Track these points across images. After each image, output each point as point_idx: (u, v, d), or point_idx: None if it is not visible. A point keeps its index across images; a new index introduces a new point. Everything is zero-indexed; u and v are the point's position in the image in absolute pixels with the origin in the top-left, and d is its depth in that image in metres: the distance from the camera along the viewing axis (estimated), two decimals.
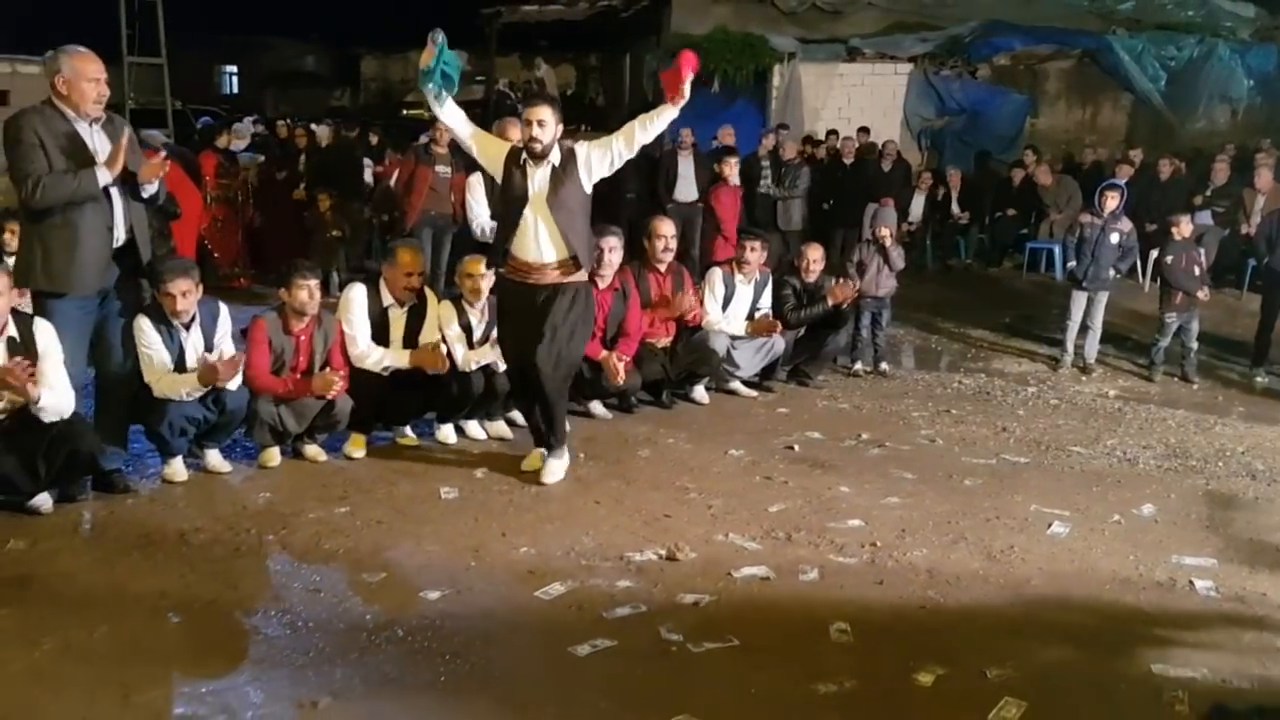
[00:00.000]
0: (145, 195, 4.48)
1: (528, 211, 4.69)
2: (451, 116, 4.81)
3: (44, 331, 4.22)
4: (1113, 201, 7.87)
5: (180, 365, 4.69)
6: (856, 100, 14.90)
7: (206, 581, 3.81)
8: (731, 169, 9.65)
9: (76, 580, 3.79)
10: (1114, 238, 7.89)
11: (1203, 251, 8.25)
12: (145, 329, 4.62)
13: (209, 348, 4.78)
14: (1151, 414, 6.97)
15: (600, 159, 4.77)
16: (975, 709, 3.11)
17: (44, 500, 4.32)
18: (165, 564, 3.98)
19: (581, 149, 4.78)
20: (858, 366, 7.66)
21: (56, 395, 4.15)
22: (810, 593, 3.94)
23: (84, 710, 2.91)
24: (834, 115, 14.62)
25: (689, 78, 4.55)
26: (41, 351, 4.16)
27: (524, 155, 4.70)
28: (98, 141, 4.36)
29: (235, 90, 30.65)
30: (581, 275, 4.84)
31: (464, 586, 3.84)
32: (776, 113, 14.71)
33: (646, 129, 4.71)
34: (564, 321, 4.76)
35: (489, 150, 4.89)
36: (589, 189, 4.81)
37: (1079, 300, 8.06)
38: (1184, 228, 8.11)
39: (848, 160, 12.09)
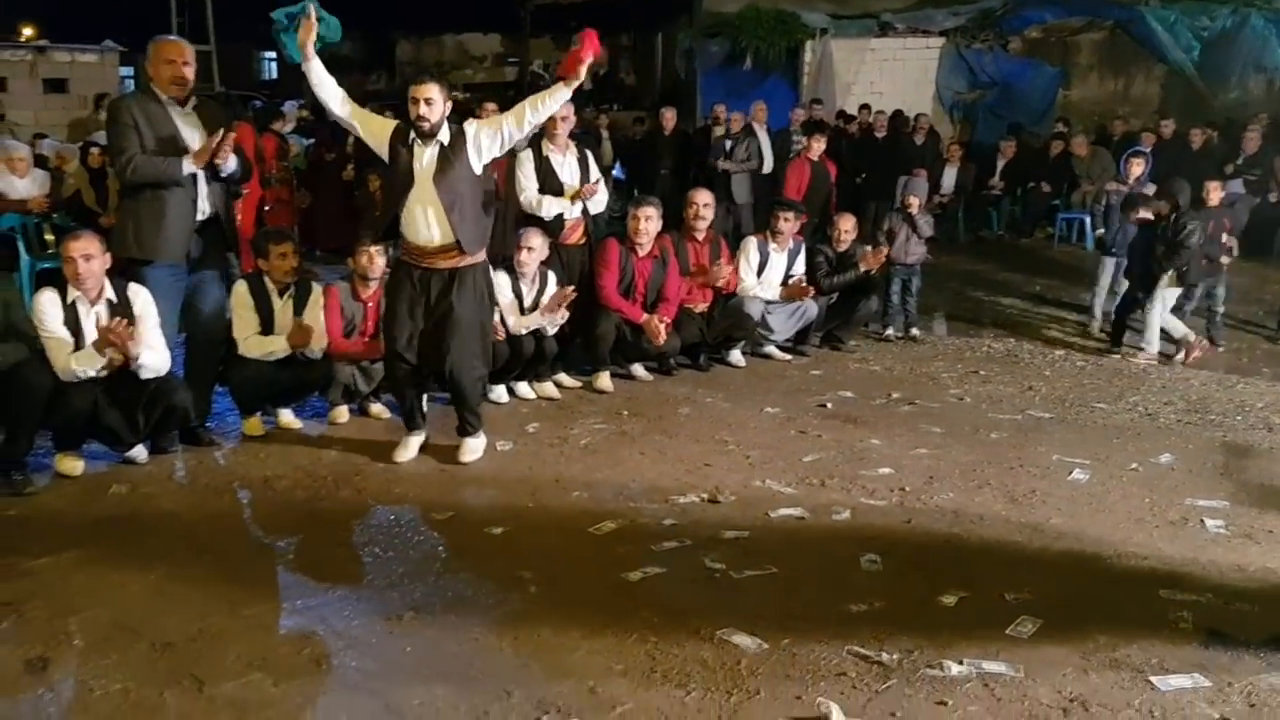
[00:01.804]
0: (223, 175, 4.84)
1: (414, 192, 4.58)
2: (325, 90, 4.61)
3: (139, 295, 4.63)
4: (1138, 168, 8.09)
5: (267, 330, 5.13)
6: (888, 74, 15.08)
7: (294, 519, 4.24)
8: (816, 143, 9.59)
9: (177, 518, 4.23)
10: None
11: (1226, 219, 8.41)
12: (240, 292, 5.09)
13: (298, 320, 5.18)
14: (1176, 374, 7.20)
15: (490, 139, 4.68)
16: (994, 625, 3.42)
17: (140, 451, 4.75)
18: (255, 505, 4.45)
19: (471, 128, 4.69)
20: (889, 332, 7.93)
21: (155, 354, 4.58)
22: (843, 530, 4.27)
23: (200, 621, 3.31)
24: (866, 90, 14.80)
25: (588, 60, 4.55)
26: (139, 314, 4.57)
27: (411, 134, 4.58)
28: (185, 125, 4.73)
29: (275, 75, 31.14)
30: (477, 258, 4.73)
31: (524, 523, 4.22)
32: (808, 88, 14.92)
33: (538, 110, 4.67)
34: (465, 313, 4.66)
35: (371, 127, 4.71)
36: (479, 170, 4.70)
37: (1107, 266, 8.29)
38: (1214, 194, 8.29)
39: (880, 134, 12.32)
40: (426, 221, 4.60)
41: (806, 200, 8.81)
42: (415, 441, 4.97)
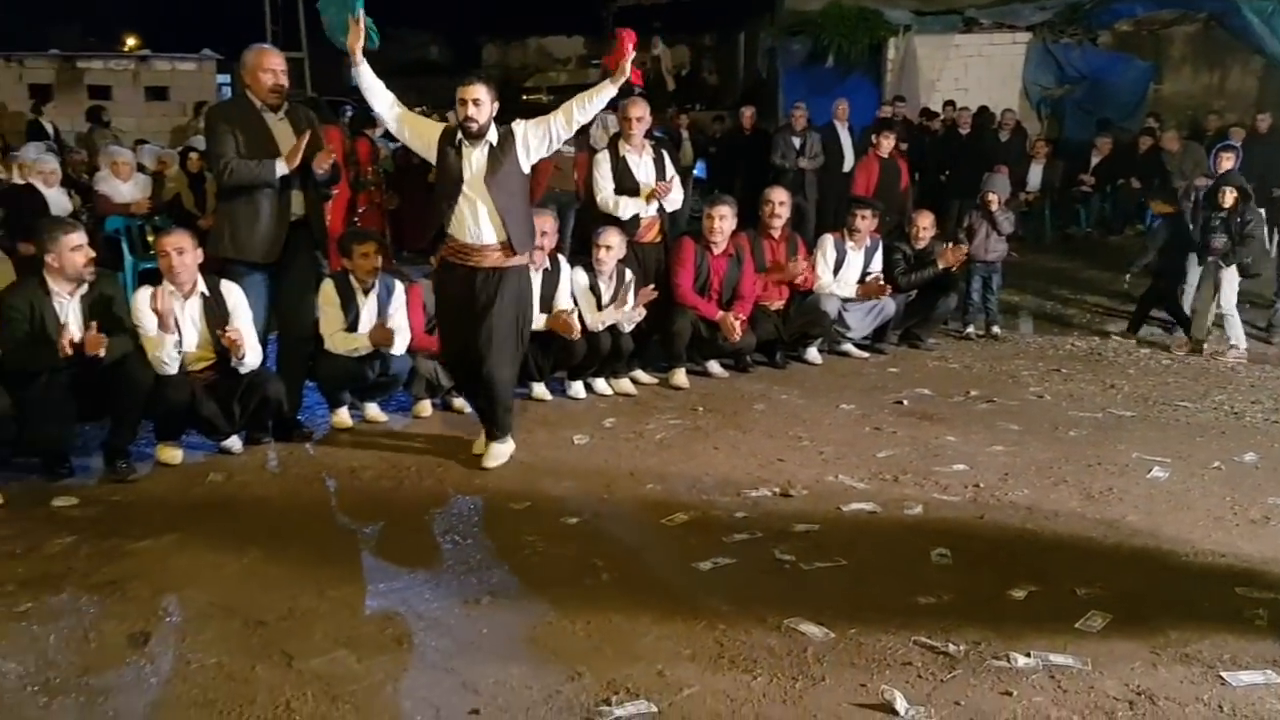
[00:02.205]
0: (319, 179, 5.06)
1: (465, 192, 4.60)
2: (376, 94, 4.70)
3: (232, 292, 4.88)
4: (1228, 162, 7.89)
5: (353, 327, 5.33)
6: (974, 71, 14.87)
7: (378, 507, 4.42)
8: (884, 140, 9.56)
9: (269, 505, 4.44)
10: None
11: None
12: (327, 290, 5.30)
13: (382, 317, 5.37)
14: (1265, 374, 7.03)
15: (538, 138, 4.70)
16: (1064, 619, 3.41)
17: (235, 442, 4.99)
18: (342, 494, 4.64)
19: (519, 128, 4.70)
20: (969, 330, 7.89)
21: (250, 349, 4.82)
22: (914, 524, 4.29)
23: (289, 601, 3.48)
24: (951, 86, 14.63)
25: (630, 55, 4.58)
26: (232, 309, 4.84)
27: (459, 135, 4.61)
28: (279, 129, 4.95)
29: None
30: (521, 259, 4.78)
31: (599, 514, 4.34)
32: (891, 86, 14.80)
33: (585, 108, 4.67)
34: (505, 314, 4.68)
35: (420, 130, 4.78)
36: (527, 169, 4.75)
37: (1194, 264, 8.09)
38: None
39: (964, 131, 12.19)
40: (476, 221, 4.63)
41: (876, 198, 8.79)
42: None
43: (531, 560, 3.87)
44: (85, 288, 4.66)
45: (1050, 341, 7.91)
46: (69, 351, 4.40)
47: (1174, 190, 8.31)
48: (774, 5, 16.74)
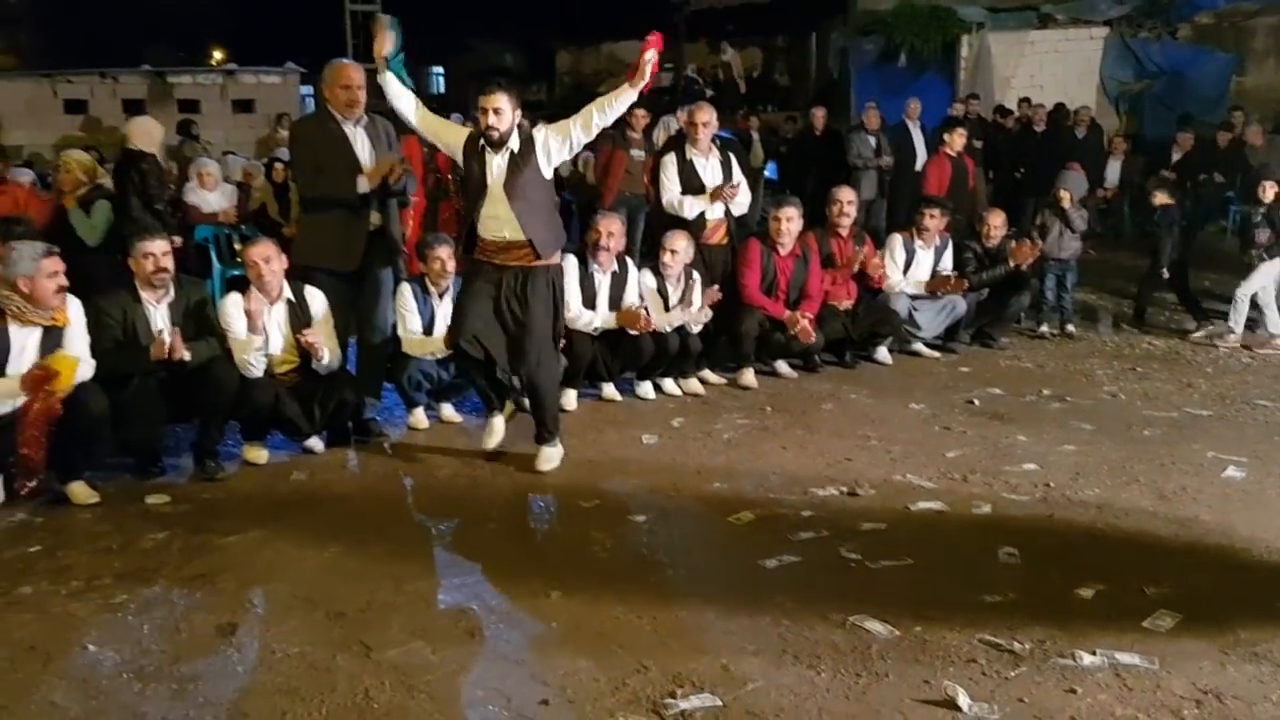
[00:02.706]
0: (393, 189, 5.23)
1: (488, 197, 4.65)
2: (403, 101, 4.77)
3: (315, 297, 5.07)
4: None
5: (429, 330, 5.49)
6: (1049, 67, 14.67)
7: (452, 504, 4.56)
8: (957, 137, 9.20)
9: (349, 502, 4.61)
10: None
11: None
12: (406, 294, 5.48)
13: None
14: None
15: (559, 144, 4.71)
16: (1132, 618, 3.41)
17: (316, 442, 5.17)
18: (418, 491, 4.79)
19: (540, 134, 4.73)
20: (1043, 329, 7.80)
21: (330, 352, 5.01)
22: (982, 523, 4.30)
23: (368, 595, 3.62)
24: (1026, 83, 14.43)
25: (651, 59, 4.48)
26: (315, 314, 5.03)
27: (482, 142, 4.66)
28: (358, 141, 5.15)
29: (442, 90, 32.39)
30: (551, 259, 4.79)
31: (667, 512, 4.42)
32: (965, 83, 14.66)
33: (605, 112, 4.64)
34: (537, 316, 4.72)
35: (447, 136, 4.86)
36: (549, 174, 4.77)
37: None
38: None
39: (1039, 128, 12.03)
40: (499, 225, 4.67)
41: (948, 197, 8.72)
42: (499, 423, 5.00)
43: (600, 557, 3.97)
44: (172, 294, 4.86)
45: (1126, 340, 7.79)
46: (161, 356, 4.61)
47: (1166, 180, 8.56)
48: (846, 5, 16.69)
